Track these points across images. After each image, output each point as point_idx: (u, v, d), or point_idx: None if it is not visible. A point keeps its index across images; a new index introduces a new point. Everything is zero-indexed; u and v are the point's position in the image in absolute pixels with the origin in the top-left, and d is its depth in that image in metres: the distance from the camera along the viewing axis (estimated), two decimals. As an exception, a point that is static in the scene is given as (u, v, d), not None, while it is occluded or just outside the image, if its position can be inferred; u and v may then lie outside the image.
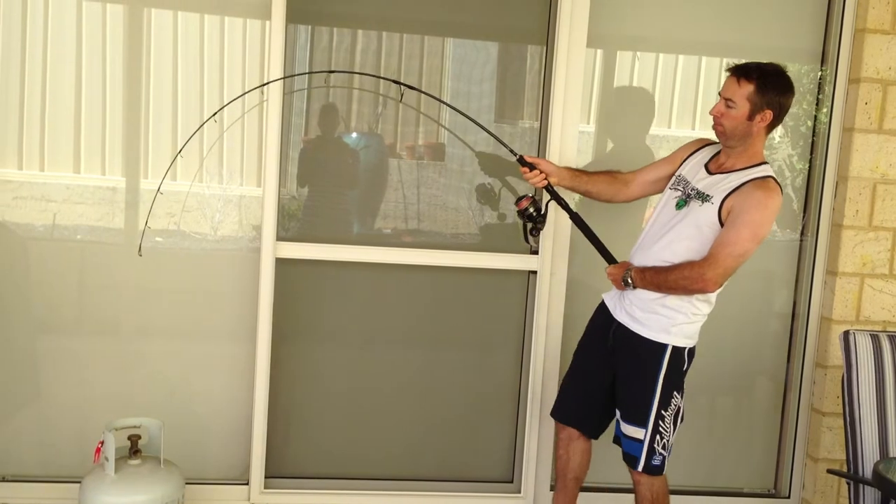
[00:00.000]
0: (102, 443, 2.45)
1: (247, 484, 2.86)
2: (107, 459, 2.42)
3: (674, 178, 2.52)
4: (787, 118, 3.07)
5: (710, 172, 2.43)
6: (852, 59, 2.97)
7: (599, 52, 2.95)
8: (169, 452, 2.55)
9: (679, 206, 2.42)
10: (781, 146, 3.11)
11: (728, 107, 2.35)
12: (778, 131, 3.10)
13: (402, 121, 2.91)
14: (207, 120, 2.71)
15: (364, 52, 2.84)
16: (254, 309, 2.78)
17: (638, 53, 3.00)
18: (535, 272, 2.91)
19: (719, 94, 2.39)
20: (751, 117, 2.34)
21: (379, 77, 2.81)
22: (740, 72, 2.35)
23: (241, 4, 2.76)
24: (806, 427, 3.12)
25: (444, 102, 2.81)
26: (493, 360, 3.03)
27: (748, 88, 2.32)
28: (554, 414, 2.69)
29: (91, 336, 2.84)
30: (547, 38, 2.87)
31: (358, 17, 2.84)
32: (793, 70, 3.08)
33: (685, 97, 3.04)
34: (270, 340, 2.78)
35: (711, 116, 2.39)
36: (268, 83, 2.69)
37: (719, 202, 2.33)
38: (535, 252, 2.89)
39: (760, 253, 3.11)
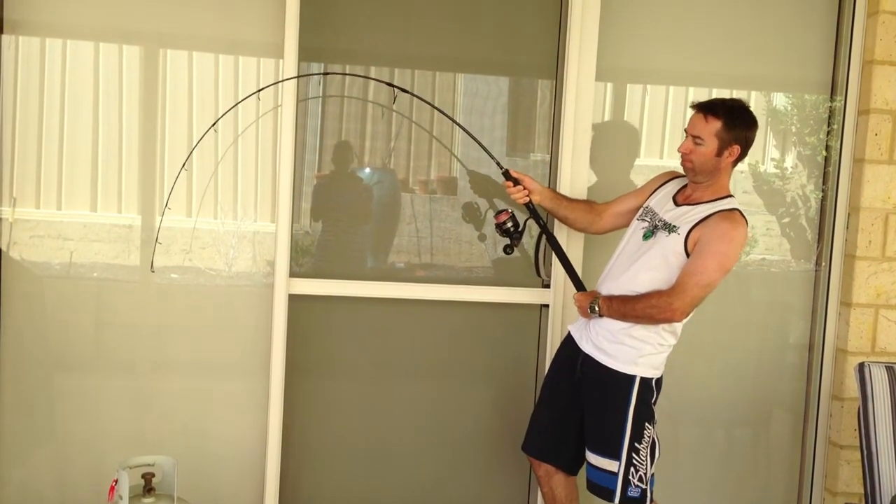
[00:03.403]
0: (116, 481, 2.45)
1: (260, 521, 2.86)
2: (121, 498, 2.42)
3: (642, 209, 2.55)
4: (801, 148, 3.11)
5: (677, 204, 2.46)
6: (861, 90, 2.98)
7: (609, 85, 2.97)
8: (183, 490, 2.55)
9: (646, 236, 2.45)
10: (794, 176, 3.11)
11: (696, 144, 2.38)
12: (790, 161, 3.11)
13: (414, 155, 2.94)
14: (204, 135, 2.73)
15: (377, 87, 2.87)
16: (267, 345, 2.79)
17: (647, 86, 3.03)
18: (546, 305, 2.91)
19: (685, 130, 2.42)
20: (719, 153, 2.38)
21: (370, 79, 2.82)
22: (707, 109, 2.38)
23: (254, 44, 2.80)
24: (823, 460, 3.09)
25: (436, 108, 2.80)
26: (507, 395, 3.02)
27: (716, 125, 2.36)
28: (525, 449, 2.68)
29: (106, 373, 2.86)
30: (556, 71, 2.90)
31: (370, 53, 2.88)
32: (804, 100, 3.09)
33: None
34: (284, 376, 2.79)
35: (679, 153, 2.43)
36: (279, 89, 2.72)
37: (686, 232, 2.36)
38: (547, 286, 2.90)
39: (776, 283, 3.14)
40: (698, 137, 2.37)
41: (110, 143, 2.79)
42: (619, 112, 3.01)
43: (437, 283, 2.90)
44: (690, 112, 2.43)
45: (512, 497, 3.04)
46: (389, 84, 2.75)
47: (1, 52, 2.69)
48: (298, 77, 2.72)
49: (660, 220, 2.45)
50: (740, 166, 3.12)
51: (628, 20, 2.93)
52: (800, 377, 3.14)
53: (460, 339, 2.98)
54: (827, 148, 3.09)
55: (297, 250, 2.84)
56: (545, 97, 2.97)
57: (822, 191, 3.09)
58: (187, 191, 2.81)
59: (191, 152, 2.73)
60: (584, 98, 2.86)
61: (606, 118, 3.00)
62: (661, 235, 2.41)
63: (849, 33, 2.99)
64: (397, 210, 2.95)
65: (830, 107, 3.07)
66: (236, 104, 2.74)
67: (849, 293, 2.99)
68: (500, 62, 2.97)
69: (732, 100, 2.43)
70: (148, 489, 2.49)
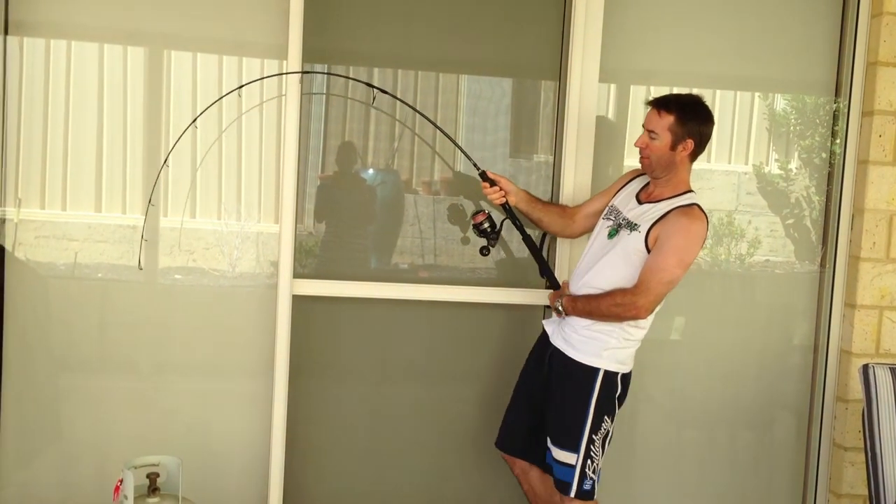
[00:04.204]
0: (121, 481, 2.45)
1: (264, 522, 2.86)
2: (126, 498, 2.42)
3: (608, 208, 2.58)
4: (801, 150, 3.11)
5: (639, 202, 2.50)
6: (865, 91, 2.98)
7: (612, 86, 2.97)
8: (187, 490, 2.55)
9: (611, 235, 2.48)
10: (798, 178, 3.11)
11: (651, 138, 2.42)
12: (794, 163, 3.10)
13: (417, 156, 2.94)
14: (189, 125, 2.73)
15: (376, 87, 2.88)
16: (271, 345, 2.79)
17: (651, 88, 3.02)
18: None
19: (643, 126, 2.46)
20: (673, 147, 2.41)
21: (349, 78, 2.82)
22: (660, 104, 2.43)
23: (258, 45, 2.81)
24: (828, 462, 3.08)
25: (415, 108, 2.80)
26: (509, 396, 3.01)
27: (668, 119, 2.40)
28: (498, 444, 2.71)
29: (110, 373, 2.86)
30: (560, 73, 2.90)
31: (373, 55, 2.88)
32: (807, 102, 3.09)
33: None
34: (288, 377, 2.79)
35: (637, 148, 2.47)
36: (283, 83, 2.73)
37: (646, 230, 2.40)
38: (550, 287, 2.89)
39: (780, 285, 3.14)
40: (653, 132, 2.42)
41: (114, 144, 2.80)
42: (623, 113, 3.01)
43: (439, 284, 2.91)
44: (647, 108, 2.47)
45: (516, 497, 3.03)
46: (368, 84, 2.75)
47: (6, 53, 2.69)
48: (302, 73, 2.71)
49: (623, 219, 2.48)
50: (743, 167, 3.13)
51: (631, 21, 2.93)
52: (804, 379, 3.13)
53: (463, 340, 2.98)
54: (830, 150, 3.09)
55: (300, 251, 2.85)
56: (548, 99, 2.97)
57: (826, 192, 3.09)
58: (191, 192, 2.82)
59: (172, 147, 2.72)
60: (587, 99, 2.86)
61: (610, 119, 3.01)
62: (624, 234, 2.45)
63: (853, 35, 2.99)
64: (400, 211, 2.96)
65: (834, 108, 3.07)
66: (223, 96, 2.74)
67: (853, 295, 2.99)
68: (503, 63, 2.97)
69: (688, 95, 2.48)
70: (153, 489, 2.49)
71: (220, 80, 2.82)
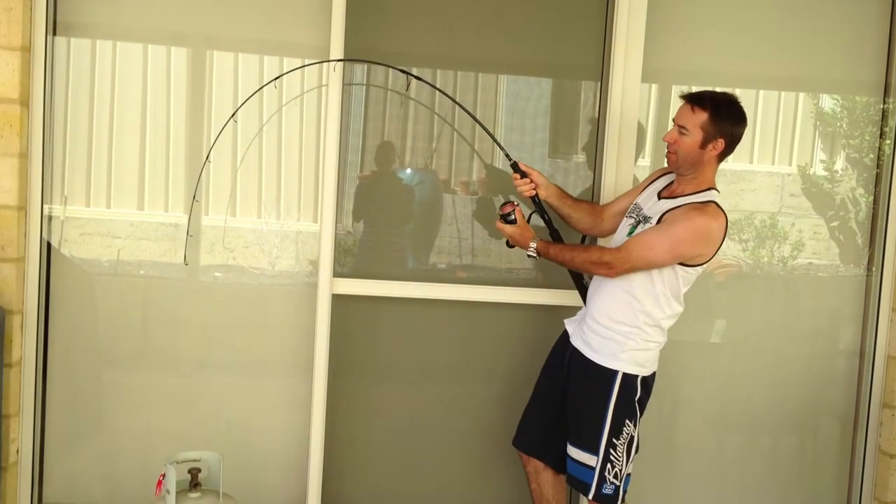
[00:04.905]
0: (164, 475, 2.48)
1: (302, 518, 2.88)
2: (168, 492, 2.45)
3: (632, 205, 2.54)
4: (849, 150, 3.04)
5: (660, 199, 2.45)
6: (916, 91, 2.91)
7: (654, 86, 2.94)
8: (227, 485, 2.57)
9: (630, 232, 2.44)
10: (844, 179, 3.05)
11: (681, 134, 2.36)
12: (840, 164, 3.04)
13: (455, 156, 2.94)
14: (232, 116, 2.75)
15: (419, 87, 2.87)
16: (310, 344, 2.80)
17: (693, 88, 2.98)
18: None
19: (673, 120, 2.40)
20: (703, 146, 2.35)
21: (385, 65, 2.80)
22: (694, 100, 2.36)
23: (299, 46, 2.82)
24: (873, 469, 3.02)
25: (452, 99, 2.79)
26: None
27: (702, 117, 2.33)
28: (515, 443, 2.68)
29: (152, 369, 2.90)
30: (602, 73, 2.87)
31: (414, 55, 2.89)
32: (856, 101, 3.03)
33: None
34: (327, 375, 2.81)
35: (665, 143, 2.42)
36: (323, 78, 2.73)
37: (656, 221, 2.36)
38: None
39: (825, 288, 3.08)
40: (683, 128, 2.36)
41: (157, 143, 2.84)
42: (665, 113, 2.97)
43: (478, 284, 2.90)
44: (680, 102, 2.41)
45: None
46: (405, 72, 2.73)
47: (54, 54, 2.74)
48: (344, 61, 2.71)
49: (643, 216, 2.45)
50: (787, 168, 3.08)
51: (675, 20, 2.89)
52: (849, 384, 3.07)
53: (501, 341, 2.97)
54: (879, 150, 3.02)
55: (339, 250, 2.86)
56: (588, 99, 2.94)
57: (874, 194, 3.02)
58: (231, 190, 2.84)
59: (214, 141, 2.75)
60: (629, 99, 2.82)
61: (651, 119, 2.97)
62: (640, 229, 2.41)
63: (903, 33, 2.92)
64: (439, 211, 2.95)
65: (883, 108, 3.00)
66: (265, 85, 2.75)
67: (901, 299, 2.93)
68: (544, 64, 2.95)
69: (723, 94, 2.41)
70: (194, 484, 2.52)
71: (261, 80, 2.84)
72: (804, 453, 3.11)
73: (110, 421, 2.88)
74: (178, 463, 2.49)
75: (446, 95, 2.79)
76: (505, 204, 2.60)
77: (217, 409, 2.90)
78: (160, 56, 2.82)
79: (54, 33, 2.74)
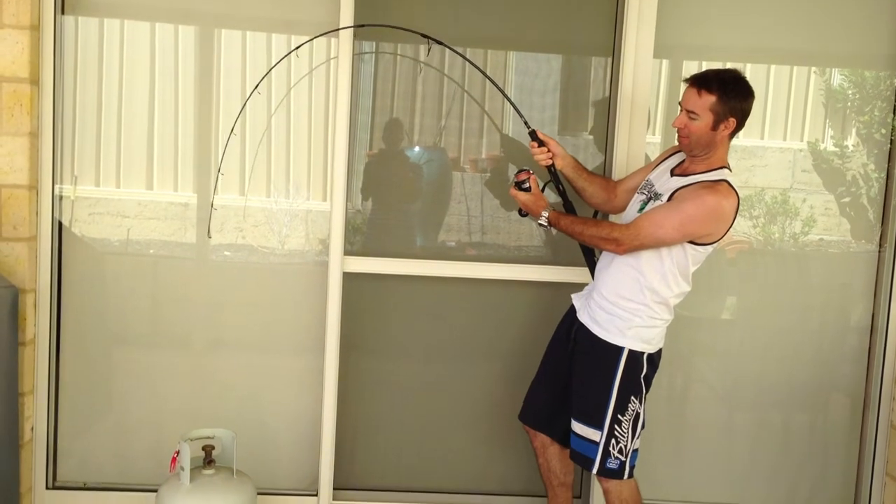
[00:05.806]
0: (178, 452, 2.50)
1: (316, 495, 2.89)
2: (182, 469, 2.47)
3: (644, 182, 2.52)
4: (860, 126, 3.02)
5: (672, 176, 2.43)
6: (929, 64, 2.88)
7: (665, 62, 2.92)
8: (240, 462, 2.59)
9: (641, 209, 2.43)
10: (855, 155, 3.03)
11: (691, 118, 2.33)
12: (851, 139, 3.02)
13: (465, 133, 2.92)
14: (250, 95, 2.75)
15: (428, 64, 2.86)
16: (321, 321, 2.81)
17: (704, 63, 2.96)
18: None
19: (679, 104, 2.37)
20: (715, 127, 2.32)
21: (403, 29, 2.73)
22: (700, 83, 2.32)
23: (308, 24, 2.80)
24: (885, 445, 3.01)
25: (468, 60, 2.76)
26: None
27: (710, 99, 2.30)
28: (521, 417, 2.69)
29: (164, 348, 2.91)
30: (613, 49, 2.85)
31: (423, 30, 2.86)
32: (867, 76, 3.00)
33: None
34: (338, 353, 2.81)
35: (675, 129, 2.38)
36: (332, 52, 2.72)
37: (667, 199, 2.35)
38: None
39: (835, 264, 3.07)
40: (692, 112, 2.32)
41: (166, 122, 2.83)
42: (676, 89, 2.95)
43: (487, 261, 2.90)
44: (684, 86, 2.38)
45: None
46: (424, 35, 2.68)
47: (63, 33, 2.73)
48: (355, 27, 2.69)
49: (654, 192, 2.43)
50: (798, 144, 3.06)
51: (686, -6, 2.87)
52: (860, 360, 3.06)
53: (511, 318, 2.97)
54: (893, 125, 2.99)
55: (348, 228, 2.85)
56: (598, 75, 2.92)
57: (886, 169, 3.00)
58: (240, 169, 2.84)
59: (238, 114, 2.75)
60: (641, 75, 2.80)
61: (662, 95, 2.95)
62: (651, 205, 2.40)
63: (916, 6, 2.89)
64: (448, 188, 2.95)
65: (894, 83, 2.97)
66: (282, 59, 2.76)
67: (913, 274, 2.91)
68: (555, 40, 2.93)
69: (727, 71, 2.38)
70: (208, 461, 2.54)
71: (270, 58, 2.83)
72: (815, 429, 3.11)
73: (123, 399, 2.90)
74: (192, 440, 2.51)
75: (465, 58, 2.75)
76: (520, 171, 2.57)
77: (228, 386, 2.91)
78: (168, 34, 2.81)
79: (63, 12, 2.73)
